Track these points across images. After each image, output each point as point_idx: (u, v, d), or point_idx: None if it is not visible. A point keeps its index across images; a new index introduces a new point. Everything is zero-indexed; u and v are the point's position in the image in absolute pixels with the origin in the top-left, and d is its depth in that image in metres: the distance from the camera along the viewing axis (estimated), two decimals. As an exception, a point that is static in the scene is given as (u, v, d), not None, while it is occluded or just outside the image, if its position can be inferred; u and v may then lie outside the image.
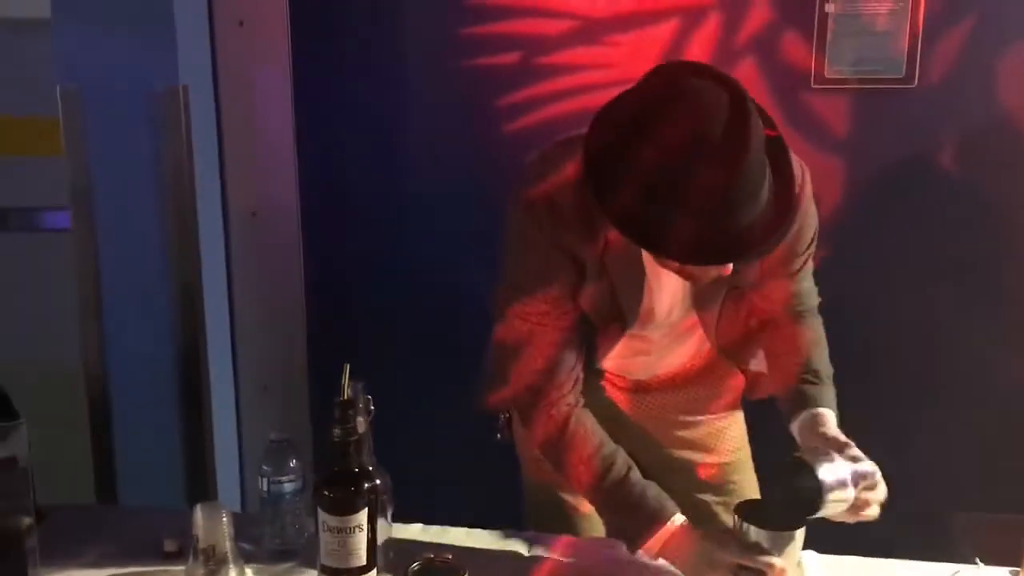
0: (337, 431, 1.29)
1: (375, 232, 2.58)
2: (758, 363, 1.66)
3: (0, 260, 2.51)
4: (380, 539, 1.37)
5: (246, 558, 1.46)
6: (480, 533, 1.59)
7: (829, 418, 1.48)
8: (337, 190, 2.57)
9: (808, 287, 1.60)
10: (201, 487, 2.36)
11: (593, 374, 1.69)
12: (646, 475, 1.68)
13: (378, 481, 1.34)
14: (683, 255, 1.21)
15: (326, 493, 1.30)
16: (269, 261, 2.53)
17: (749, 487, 1.80)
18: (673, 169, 1.15)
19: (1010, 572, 1.46)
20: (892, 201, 2.36)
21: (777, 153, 1.23)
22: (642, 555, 1.44)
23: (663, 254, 1.23)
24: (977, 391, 2.44)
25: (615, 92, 1.26)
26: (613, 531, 1.52)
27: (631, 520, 1.44)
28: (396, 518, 1.48)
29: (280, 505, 1.49)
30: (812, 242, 1.51)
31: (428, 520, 1.61)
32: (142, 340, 2.34)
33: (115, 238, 2.29)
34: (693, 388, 1.72)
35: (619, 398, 1.72)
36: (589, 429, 1.49)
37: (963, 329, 2.42)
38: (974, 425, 2.42)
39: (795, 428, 1.51)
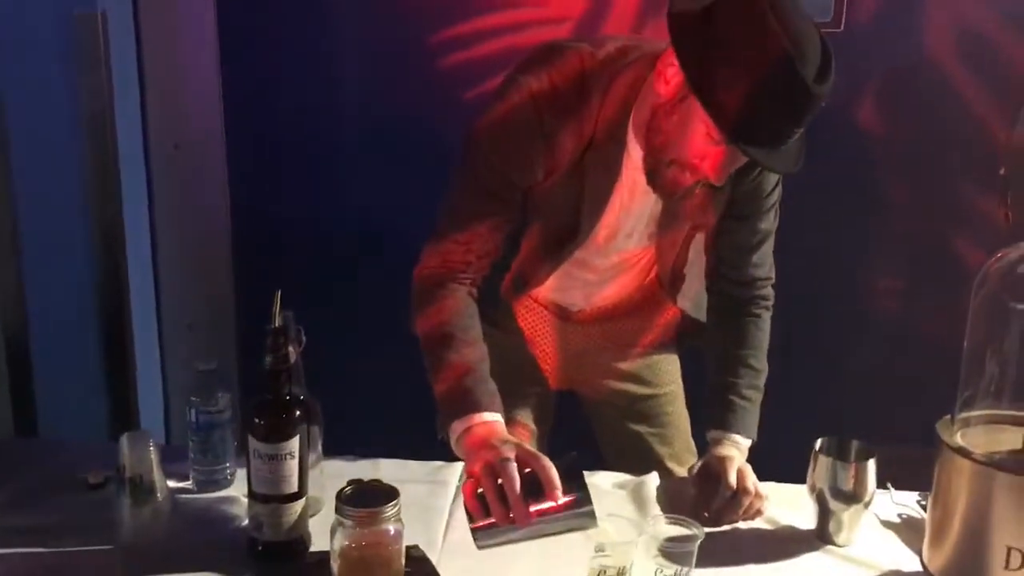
0: (269, 359, 1.28)
1: (303, 163, 2.54)
2: (685, 301, 1.69)
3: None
4: (311, 467, 1.37)
5: (173, 488, 1.45)
6: (412, 464, 1.59)
7: (737, 452, 1.50)
8: (264, 120, 2.51)
9: (768, 255, 1.60)
10: (124, 421, 2.32)
11: (531, 302, 1.70)
12: (581, 403, 1.68)
13: (309, 409, 1.34)
14: (729, 127, 1.26)
15: (257, 420, 1.29)
16: (193, 195, 2.48)
17: (682, 419, 1.83)
18: (771, 77, 1.24)
19: (919, 495, 1.52)
20: (817, 143, 2.40)
21: None
22: (453, 445, 1.42)
23: (717, 118, 1.27)
24: (888, 328, 2.53)
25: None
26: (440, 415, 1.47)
27: (450, 404, 1.42)
28: (326, 451, 1.47)
29: (209, 435, 1.47)
30: (775, 188, 1.55)
31: (359, 453, 1.60)
32: (62, 276, 2.28)
33: (32, 173, 2.20)
34: (629, 320, 1.74)
35: (556, 327, 1.73)
36: (468, 314, 1.48)
37: (878, 265, 2.50)
38: (879, 361, 2.51)
39: (709, 437, 1.55)
